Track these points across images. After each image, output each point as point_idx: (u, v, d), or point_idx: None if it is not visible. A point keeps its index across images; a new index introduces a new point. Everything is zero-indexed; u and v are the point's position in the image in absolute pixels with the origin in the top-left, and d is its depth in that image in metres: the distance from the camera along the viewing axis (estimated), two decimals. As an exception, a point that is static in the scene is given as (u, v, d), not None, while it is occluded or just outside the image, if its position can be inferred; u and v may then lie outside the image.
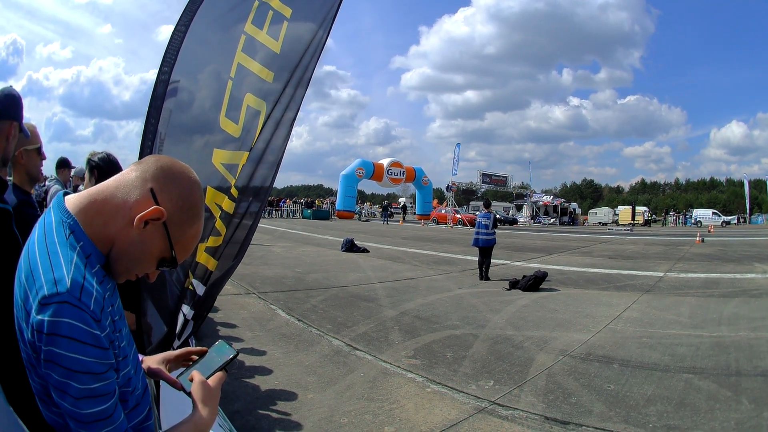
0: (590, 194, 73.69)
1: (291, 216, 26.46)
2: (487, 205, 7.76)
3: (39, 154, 1.08)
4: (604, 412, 2.77)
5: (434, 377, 3.13)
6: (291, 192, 68.19)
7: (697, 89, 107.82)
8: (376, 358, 3.46)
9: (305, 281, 6.36)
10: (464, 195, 35.23)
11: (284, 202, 30.37)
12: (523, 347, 3.92)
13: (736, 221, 36.09)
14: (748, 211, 38.89)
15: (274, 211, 25.41)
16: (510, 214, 32.92)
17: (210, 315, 3.73)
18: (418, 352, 3.63)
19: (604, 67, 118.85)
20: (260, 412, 2.44)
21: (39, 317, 0.49)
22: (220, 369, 0.66)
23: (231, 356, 0.68)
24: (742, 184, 45.57)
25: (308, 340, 3.79)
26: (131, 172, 0.58)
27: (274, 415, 2.41)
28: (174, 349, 0.84)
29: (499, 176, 35.44)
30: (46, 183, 3.15)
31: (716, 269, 8.89)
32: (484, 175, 33.80)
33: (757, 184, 46.57)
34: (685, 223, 35.64)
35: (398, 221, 27.20)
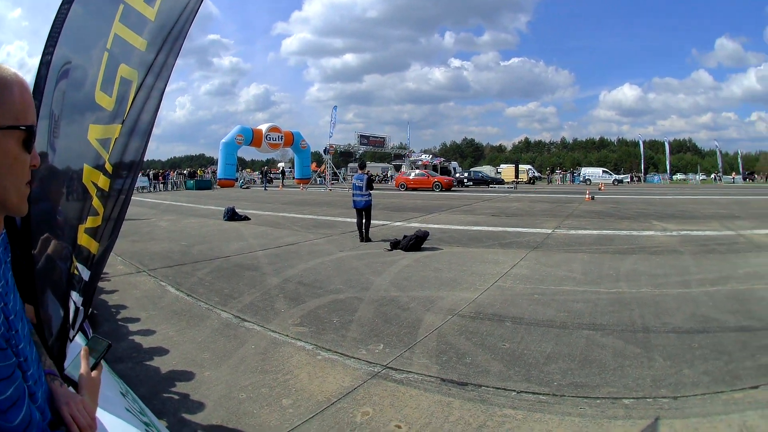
0: (471, 153, 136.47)
1: (175, 188, 48.81)
2: (362, 167, 14.24)
3: None
4: (503, 372, 4.70)
5: (323, 344, 5.51)
6: (175, 163, 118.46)
7: (587, 53, 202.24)
8: (264, 328, 6.11)
9: (191, 254, 11.13)
10: (342, 157, 68.45)
11: (169, 174, 55.15)
12: (409, 308, 6.76)
13: (629, 180, 69.57)
14: (642, 170, 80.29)
15: (159, 185, 48.45)
16: (388, 174, 67.58)
17: (104, 297, 7.54)
18: (305, 319, 6.38)
19: (488, 31, 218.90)
20: (164, 395, 4.32)
21: None
22: (98, 361, 1.57)
23: (105, 347, 1.61)
24: (635, 144, 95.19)
25: (198, 315, 6.70)
26: None
27: (176, 396, 4.29)
28: (71, 340, 1.94)
29: (378, 137, 66.83)
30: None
31: (609, 226, 15.89)
32: (361, 136, 63.79)
33: (652, 145, 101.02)
34: (572, 181, 67.29)
35: (278, 186, 50.90)
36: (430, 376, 4.59)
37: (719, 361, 4.98)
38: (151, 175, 49.15)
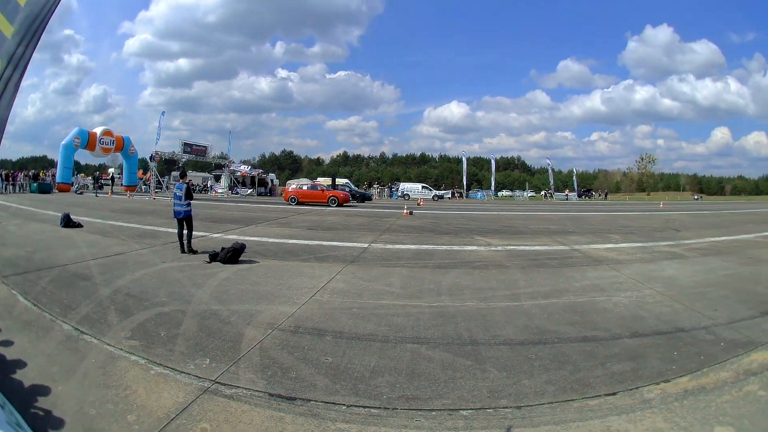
0: (289, 165, 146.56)
1: (22, 190, 51.64)
2: (183, 176, 14.66)
3: None
4: (330, 386, 4.96)
5: (154, 358, 5.72)
6: (23, 164, 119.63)
7: (418, 69, 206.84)
8: (101, 341, 6.31)
9: (34, 261, 11.68)
10: (167, 165, 67.51)
11: (18, 175, 57.09)
12: (230, 322, 7.06)
13: (450, 195, 74.88)
14: (465, 186, 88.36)
15: (9, 186, 50.71)
16: (209, 185, 70.83)
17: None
18: (135, 332, 6.60)
19: (319, 42, 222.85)
20: (32, 411, 4.63)
21: None
22: None
23: None
24: (458, 160, 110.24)
25: (45, 326, 7.07)
26: None
27: (41, 413, 4.62)
28: None
29: (200, 146, 68.48)
30: None
31: (429, 241, 16.70)
32: (185, 144, 65.64)
33: (477, 162, 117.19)
34: (390, 196, 71.24)
35: (107, 193, 50.91)
36: (258, 391, 4.84)
37: (563, 371, 5.39)
38: (3, 176, 49.00)
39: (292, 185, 47.18)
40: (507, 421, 4.21)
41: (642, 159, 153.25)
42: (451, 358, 5.60)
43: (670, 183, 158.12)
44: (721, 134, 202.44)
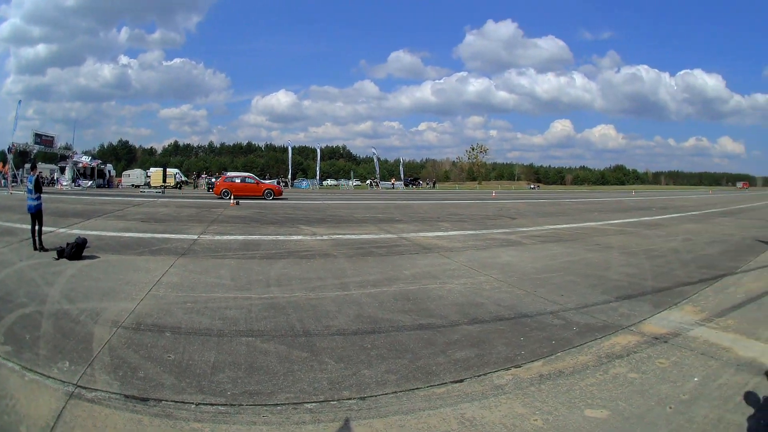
0: (125, 155, 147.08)
1: None
2: (33, 168, 14.65)
3: None
4: (176, 384, 4.89)
5: (25, 364, 5.45)
6: None
7: (250, 57, 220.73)
8: None
9: None
10: (20, 157, 63.88)
11: None
12: (80, 321, 6.84)
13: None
14: (290, 175, 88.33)
15: None
16: (55, 177, 67.75)
17: None
18: (6, 337, 6.26)
19: (159, 29, 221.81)
20: None
21: None
22: None
23: None
24: (284, 149, 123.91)
25: None
26: None
27: None
28: None
29: (48, 136, 66.98)
30: None
31: (255, 231, 17.10)
32: (36, 135, 64.66)
33: (302, 151, 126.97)
34: None
35: None
36: (115, 393, 4.70)
37: (403, 360, 5.49)
38: None
39: (224, 178, 43.95)
40: (353, 413, 4.30)
41: (473, 149, 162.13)
42: (287, 350, 5.64)
43: (504, 172, 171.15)
44: (561, 126, 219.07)
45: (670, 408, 4.55)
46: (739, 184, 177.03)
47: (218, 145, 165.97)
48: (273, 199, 38.46)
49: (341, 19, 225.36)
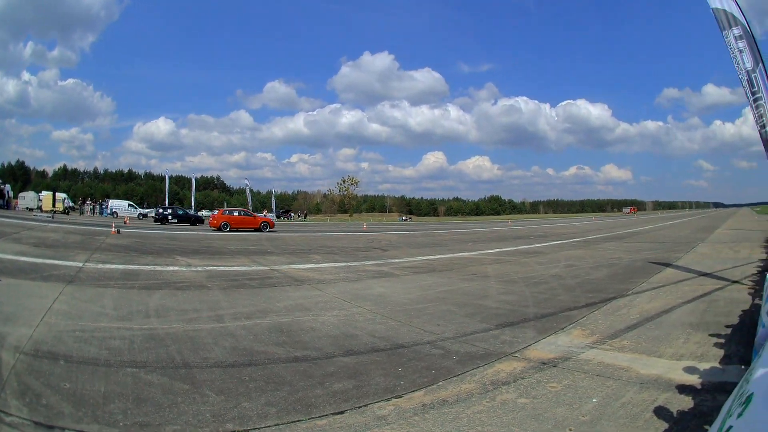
0: (22, 176, 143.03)
1: None
2: None
3: None
4: (74, 413, 4.89)
5: None
6: None
7: (136, 83, 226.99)
8: None
9: None
10: None
11: None
12: None
13: (153, 214, 76.91)
14: (167, 205, 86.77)
15: None
16: None
17: None
18: None
19: (59, 46, 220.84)
20: None
21: None
22: None
23: None
24: (162, 178, 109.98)
25: None
26: None
27: None
28: None
29: None
30: None
31: (135, 261, 16.99)
32: None
33: (179, 181, 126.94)
34: (101, 213, 72.83)
35: None
36: (26, 419, 4.71)
37: (281, 392, 5.50)
38: None
39: (222, 212, 46.91)
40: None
41: (344, 181, 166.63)
42: (169, 382, 5.64)
43: (375, 204, 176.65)
44: (434, 158, 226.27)
45: (570, 430, 4.62)
46: (626, 210, 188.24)
47: (102, 171, 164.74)
48: (268, 231, 42.22)
49: (222, 45, 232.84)
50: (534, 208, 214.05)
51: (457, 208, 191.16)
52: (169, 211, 56.77)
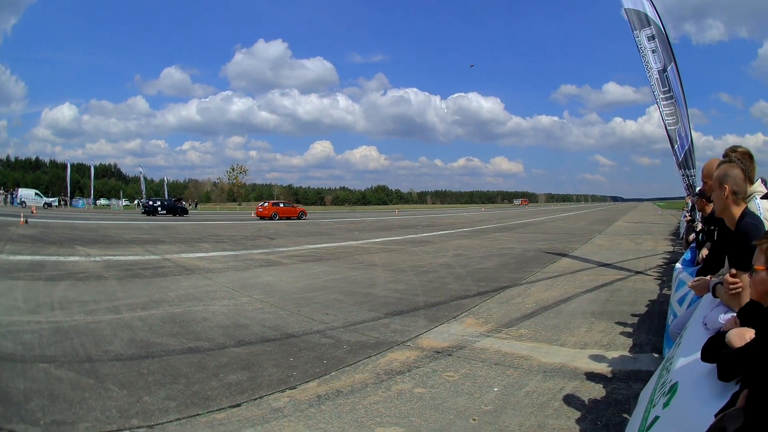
0: None
1: None
2: None
3: None
4: (4, 413, 4.79)
5: None
6: None
7: (48, 66, 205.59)
8: None
9: None
10: None
11: None
12: None
13: (57, 204, 77.35)
14: (69, 194, 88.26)
15: None
16: None
17: None
18: None
19: None
20: None
21: None
22: None
23: None
24: (65, 166, 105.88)
25: None
26: None
27: None
28: None
29: None
30: None
31: (41, 251, 17.16)
32: None
33: (80, 169, 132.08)
34: (12, 203, 74.44)
35: None
36: None
37: (178, 385, 5.53)
38: None
39: (272, 203, 58.48)
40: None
41: (233, 169, 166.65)
42: (76, 377, 5.68)
43: (263, 193, 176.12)
44: (322, 147, 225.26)
45: (474, 420, 4.65)
46: (517, 201, 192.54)
47: (14, 159, 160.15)
48: (299, 219, 53.60)
49: (125, 28, 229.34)
50: (422, 198, 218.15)
51: (344, 198, 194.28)
52: (158, 203, 62.53)
